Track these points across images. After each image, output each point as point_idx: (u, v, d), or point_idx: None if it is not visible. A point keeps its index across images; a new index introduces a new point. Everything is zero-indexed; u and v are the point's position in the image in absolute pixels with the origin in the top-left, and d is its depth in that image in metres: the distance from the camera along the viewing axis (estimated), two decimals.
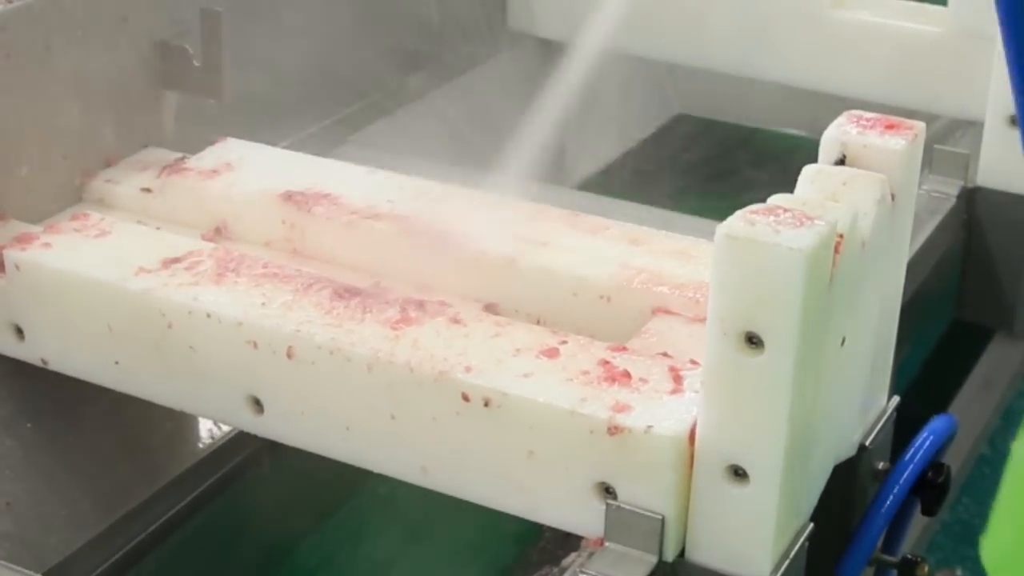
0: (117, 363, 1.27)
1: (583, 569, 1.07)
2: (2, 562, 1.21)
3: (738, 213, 1.00)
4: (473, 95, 2.04)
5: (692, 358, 1.12)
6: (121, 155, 1.50)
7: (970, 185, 1.78)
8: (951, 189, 1.76)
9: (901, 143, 1.13)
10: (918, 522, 1.30)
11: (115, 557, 1.34)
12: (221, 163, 1.44)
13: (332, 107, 1.86)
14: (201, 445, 1.43)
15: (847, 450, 1.17)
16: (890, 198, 1.12)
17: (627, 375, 1.11)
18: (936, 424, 1.22)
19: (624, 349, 1.15)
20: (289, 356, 1.18)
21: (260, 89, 1.71)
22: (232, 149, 1.48)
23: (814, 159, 1.13)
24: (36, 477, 1.35)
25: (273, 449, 1.39)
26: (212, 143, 1.49)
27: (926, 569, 1.21)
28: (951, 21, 1.86)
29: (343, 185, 1.39)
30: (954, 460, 1.29)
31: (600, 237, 1.32)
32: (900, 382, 1.26)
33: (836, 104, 1.26)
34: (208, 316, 1.21)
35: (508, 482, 1.13)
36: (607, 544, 1.08)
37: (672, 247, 1.29)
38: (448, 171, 1.50)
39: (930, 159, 1.76)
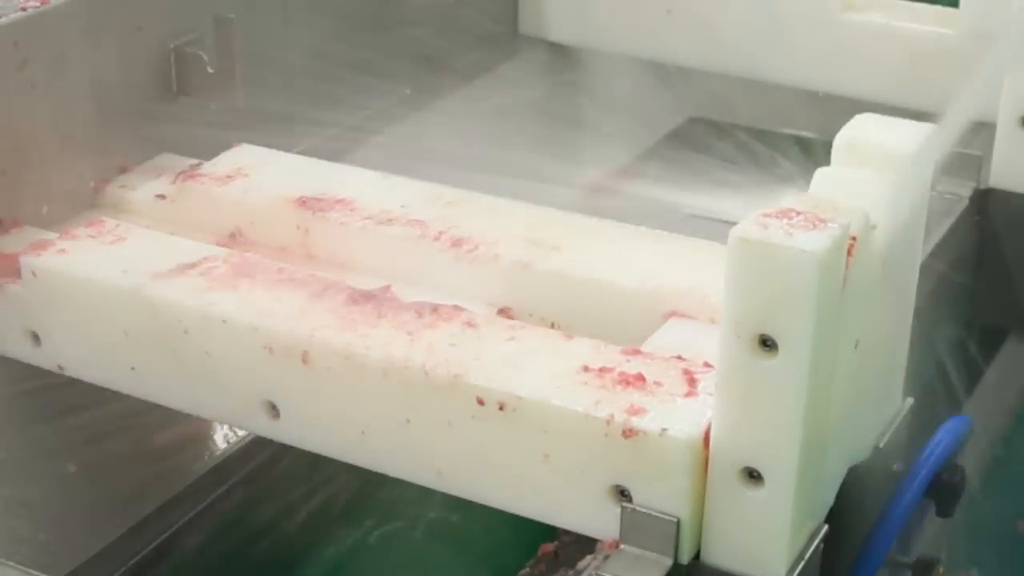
0: (133, 369, 1.27)
1: (599, 571, 1.07)
2: (20, 567, 1.22)
3: (751, 216, 1.00)
4: (485, 100, 2.04)
5: (706, 361, 1.13)
6: (136, 161, 1.51)
7: (983, 187, 1.77)
8: (964, 191, 1.76)
9: (914, 145, 1.13)
10: (933, 523, 1.30)
11: (132, 562, 1.35)
12: (235, 169, 1.45)
13: (345, 113, 1.86)
14: (217, 450, 1.44)
15: (862, 452, 1.17)
16: (903, 200, 1.12)
17: (641, 378, 1.11)
18: (951, 425, 1.22)
19: (638, 352, 1.16)
20: (304, 361, 1.18)
21: (273, 95, 1.71)
22: (246, 155, 1.48)
23: (827, 161, 1.13)
24: (53, 482, 1.36)
25: (289, 454, 1.39)
26: (226, 149, 1.49)
27: (941, 571, 1.21)
28: (963, 23, 1.85)
29: (357, 190, 1.40)
30: (969, 461, 1.29)
31: (613, 240, 1.32)
32: (914, 384, 1.26)
33: (848, 106, 1.26)
34: (223, 321, 1.21)
35: (523, 485, 1.13)
36: (622, 546, 1.08)
37: (685, 250, 1.30)
38: (461, 176, 1.50)
39: (942, 161, 1.76)
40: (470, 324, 1.19)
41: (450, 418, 1.14)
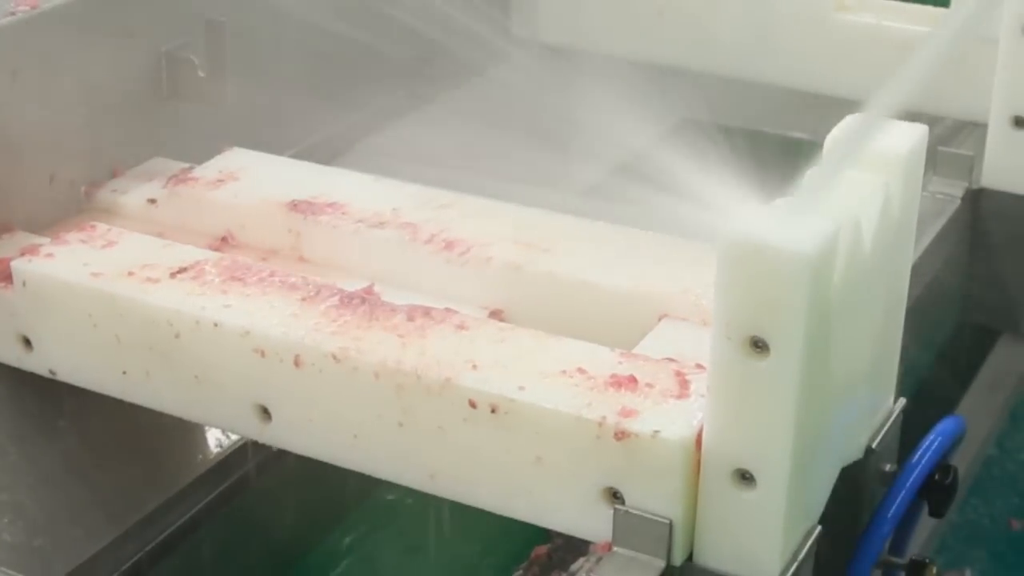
0: (125, 373, 1.27)
1: (591, 574, 1.07)
2: (13, 572, 1.21)
3: (742, 217, 1.00)
4: (478, 102, 2.04)
5: (698, 362, 1.13)
6: (127, 165, 1.51)
7: (974, 187, 1.77)
8: (955, 191, 1.76)
9: (905, 146, 1.13)
10: (927, 523, 1.30)
11: (125, 566, 1.34)
12: (227, 173, 1.45)
13: (337, 116, 1.86)
14: (210, 454, 1.44)
15: (854, 452, 1.17)
16: (894, 201, 1.12)
17: (633, 380, 1.11)
18: (944, 426, 1.22)
19: (630, 354, 1.16)
20: (296, 364, 1.18)
21: (264, 98, 1.71)
22: (238, 158, 1.48)
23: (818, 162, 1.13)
24: (46, 487, 1.36)
25: (281, 458, 1.39)
26: (218, 153, 1.49)
27: (934, 570, 1.21)
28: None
29: (349, 193, 1.40)
30: (962, 461, 1.29)
31: (605, 242, 1.32)
32: (907, 384, 1.26)
33: (840, 107, 1.26)
34: (215, 325, 1.21)
35: (516, 488, 1.13)
36: (615, 549, 1.08)
37: (677, 252, 1.30)
38: (453, 178, 1.50)
39: (934, 161, 1.76)
40: (462, 327, 1.19)
41: (442, 421, 1.14)
